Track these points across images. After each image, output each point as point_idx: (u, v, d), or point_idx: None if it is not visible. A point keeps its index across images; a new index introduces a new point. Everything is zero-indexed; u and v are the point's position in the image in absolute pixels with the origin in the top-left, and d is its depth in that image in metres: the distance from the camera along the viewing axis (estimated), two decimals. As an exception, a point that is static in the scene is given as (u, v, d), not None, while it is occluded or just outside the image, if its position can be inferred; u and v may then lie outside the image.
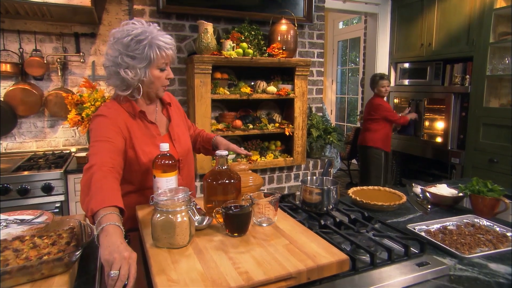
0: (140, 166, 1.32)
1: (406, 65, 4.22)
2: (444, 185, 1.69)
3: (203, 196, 1.21)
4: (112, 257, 0.81)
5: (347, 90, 6.32)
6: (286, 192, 3.30)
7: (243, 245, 0.98)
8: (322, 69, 3.62)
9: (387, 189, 1.74)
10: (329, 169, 3.50)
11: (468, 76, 3.46)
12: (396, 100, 4.37)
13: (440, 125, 3.78)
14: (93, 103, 2.53)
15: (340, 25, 6.24)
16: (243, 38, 2.95)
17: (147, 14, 2.81)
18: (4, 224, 1.18)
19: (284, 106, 3.35)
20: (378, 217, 1.37)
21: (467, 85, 3.46)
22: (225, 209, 1.04)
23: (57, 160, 2.50)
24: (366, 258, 1.04)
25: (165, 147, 1.20)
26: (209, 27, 2.70)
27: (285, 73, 3.21)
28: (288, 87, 3.08)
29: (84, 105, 2.54)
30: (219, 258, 0.90)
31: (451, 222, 1.37)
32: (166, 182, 1.20)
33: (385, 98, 3.80)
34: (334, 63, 6.43)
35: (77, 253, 0.94)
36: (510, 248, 1.14)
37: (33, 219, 1.28)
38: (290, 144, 3.21)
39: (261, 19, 3.14)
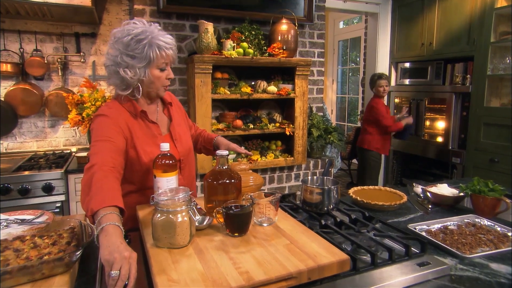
0: (141, 166, 1.32)
1: (407, 64, 4.21)
2: (445, 185, 1.69)
3: (204, 196, 1.21)
4: (113, 257, 0.81)
5: (348, 89, 6.32)
6: (286, 192, 3.30)
7: (243, 245, 0.98)
8: (323, 69, 3.62)
9: (387, 189, 1.74)
10: (330, 169, 3.50)
11: (469, 75, 3.46)
12: (396, 100, 4.36)
13: (441, 124, 3.77)
14: (93, 103, 2.53)
15: (341, 25, 6.24)
16: (243, 37, 2.94)
17: (148, 14, 2.81)
18: (5, 224, 1.18)
19: (285, 106, 3.35)
20: (379, 217, 1.37)
21: (468, 84, 3.46)
22: (225, 209, 1.04)
23: (58, 160, 2.50)
24: (367, 258, 1.04)
25: (165, 147, 1.20)
26: (210, 27, 2.69)
27: (286, 73, 3.21)
28: (288, 86, 3.07)
29: (85, 105, 2.54)
30: (219, 258, 0.90)
31: (452, 222, 1.37)
32: (166, 182, 1.20)
33: (385, 99, 3.74)
34: (335, 63, 6.43)
35: (78, 253, 0.93)
36: (511, 248, 1.14)
37: (33, 219, 1.28)
38: (291, 144, 3.21)
39: (261, 19, 3.14)
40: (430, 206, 1.59)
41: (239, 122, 2.97)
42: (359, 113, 5.52)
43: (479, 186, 1.48)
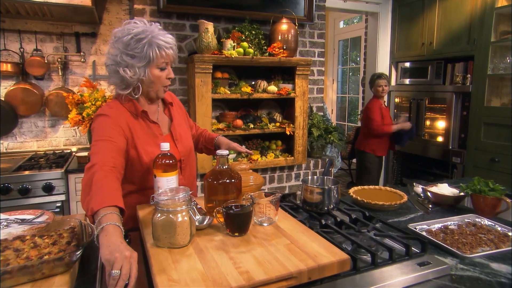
0: (142, 166, 1.32)
1: (407, 64, 4.21)
2: (445, 185, 1.69)
3: (204, 196, 1.21)
4: (113, 256, 0.80)
5: (348, 89, 6.31)
6: (286, 191, 3.29)
7: (243, 244, 0.98)
8: (323, 69, 3.62)
9: (388, 188, 1.74)
10: (330, 169, 3.50)
11: (469, 75, 3.46)
12: (397, 100, 4.36)
13: (441, 124, 3.77)
14: (93, 103, 2.53)
15: (341, 25, 6.24)
16: (243, 37, 2.94)
17: (148, 13, 2.81)
18: (5, 223, 1.18)
19: (285, 105, 3.34)
20: (379, 217, 1.37)
21: (468, 84, 3.45)
22: (225, 208, 1.04)
23: (58, 159, 2.50)
24: (367, 257, 1.04)
25: (165, 146, 1.20)
26: (210, 26, 2.69)
27: (286, 73, 3.21)
28: (288, 86, 3.07)
29: (85, 105, 2.54)
30: (219, 258, 0.90)
31: (452, 222, 1.37)
32: (166, 182, 1.20)
33: (385, 99, 3.68)
34: (335, 63, 6.42)
35: (78, 252, 0.93)
36: (511, 247, 1.14)
37: (33, 218, 1.28)
38: (291, 144, 3.21)
39: (261, 19, 3.14)
40: (430, 205, 1.59)
41: (239, 122, 2.97)
42: (359, 113, 5.52)
43: (480, 186, 1.48)
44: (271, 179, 3.25)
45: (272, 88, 3.00)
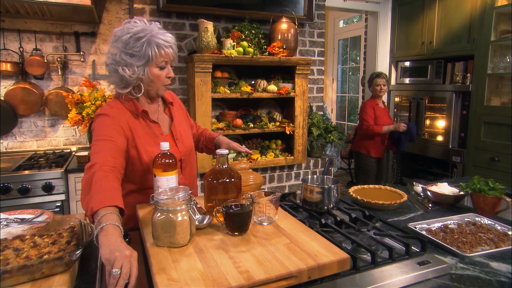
0: (142, 166, 1.32)
1: (407, 63, 4.21)
2: (445, 184, 1.69)
3: (204, 195, 1.21)
4: (114, 255, 0.81)
5: (348, 89, 6.31)
6: (286, 191, 3.29)
7: (243, 244, 0.98)
8: (323, 68, 3.61)
9: (388, 187, 1.74)
10: (330, 168, 3.49)
11: (469, 74, 3.46)
12: (397, 99, 4.36)
13: (441, 123, 3.77)
14: (93, 102, 2.53)
15: (341, 24, 6.23)
16: (243, 37, 2.94)
17: (147, 13, 2.81)
18: (5, 223, 1.18)
19: (285, 105, 3.34)
20: (379, 216, 1.37)
21: (468, 83, 3.45)
22: (225, 208, 1.04)
23: (58, 159, 2.50)
24: (367, 257, 1.04)
25: (165, 146, 1.20)
26: (210, 26, 2.69)
27: (286, 72, 3.21)
28: (288, 86, 3.07)
29: (85, 104, 2.54)
30: (219, 257, 0.90)
31: (452, 221, 1.37)
32: (166, 181, 1.20)
33: (385, 98, 3.63)
34: (335, 62, 6.42)
35: (78, 252, 0.93)
36: (511, 246, 1.14)
37: (33, 218, 1.28)
38: (291, 143, 3.21)
39: (261, 18, 3.13)
40: (430, 205, 1.59)
41: (239, 121, 2.97)
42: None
43: (480, 185, 1.48)
44: (271, 179, 3.25)
45: (272, 87, 3.00)
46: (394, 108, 4.38)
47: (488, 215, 1.42)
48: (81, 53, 2.85)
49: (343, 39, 6.22)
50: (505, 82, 3.21)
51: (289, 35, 3.01)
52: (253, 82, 3.10)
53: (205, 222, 1.10)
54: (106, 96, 2.63)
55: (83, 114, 2.50)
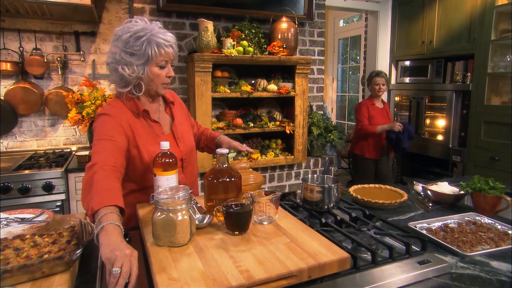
0: (143, 165, 1.32)
1: (407, 63, 4.21)
2: (446, 183, 1.69)
3: (204, 195, 1.21)
4: (114, 255, 0.81)
5: (348, 88, 6.31)
6: (286, 190, 3.30)
7: (244, 243, 0.98)
8: (323, 67, 3.61)
9: (388, 187, 1.74)
10: (330, 167, 3.49)
11: (469, 73, 3.45)
12: (397, 98, 4.36)
13: (441, 123, 3.77)
14: (93, 102, 2.53)
15: (341, 23, 6.23)
16: (243, 36, 2.94)
17: (147, 12, 2.81)
18: (5, 223, 1.18)
19: (285, 104, 3.34)
20: (379, 215, 1.37)
21: (468, 82, 3.45)
22: (225, 207, 1.04)
23: (58, 159, 2.50)
24: (367, 256, 1.04)
25: (165, 145, 1.20)
26: (210, 25, 2.69)
27: (286, 71, 3.21)
28: (288, 85, 3.07)
29: (85, 104, 2.54)
30: (220, 257, 0.90)
31: (452, 220, 1.37)
32: (166, 181, 1.20)
33: (384, 98, 3.53)
34: (335, 61, 6.42)
35: (78, 251, 0.94)
36: (511, 246, 1.14)
37: (33, 217, 1.28)
38: (291, 142, 3.21)
39: (261, 17, 3.13)
40: (430, 204, 1.59)
41: (239, 121, 2.96)
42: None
43: (480, 184, 1.48)
44: (271, 178, 3.25)
45: (272, 87, 3.00)
46: (394, 108, 4.38)
47: (489, 214, 1.42)
48: (81, 52, 2.85)
49: (343, 39, 6.21)
50: (505, 81, 3.20)
51: (289, 34, 3.01)
52: (253, 81, 3.10)
53: (205, 221, 1.10)
54: (106, 96, 2.63)
55: (83, 114, 2.50)
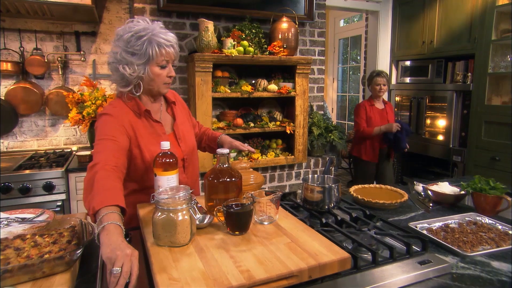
0: (145, 165, 1.33)
1: (408, 63, 4.21)
2: (446, 183, 1.69)
3: (204, 195, 1.21)
4: (115, 254, 0.81)
5: (348, 88, 6.31)
6: (287, 190, 3.29)
7: (244, 243, 0.98)
8: (323, 67, 3.61)
9: (388, 187, 1.74)
10: (331, 167, 3.48)
11: (469, 73, 3.45)
12: (397, 98, 4.36)
13: (441, 123, 3.77)
14: (93, 102, 2.54)
15: (341, 23, 6.23)
16: (244, 36, 2.94)
17: (148, 12, 2.80)
18: (5, 222, 1.18)
19: (285, 104, 3.34)
20: (380, 215, 1.37)
21: (468, 82, 3.45)
22: (226, 207, 1.03)
23: (58, 158, 2.50)
24: (368, 256, 1.04)
25: (165, 145, 1.20)
26: (210, 25, 2.69)
27: (286, 71, 3.21)
28: (289, 85, 3.07)
29: (85, 104, 2.54)
30: (220, 257, 0.90)
31: (453, 220, 1.36)
32: (167, 181, 1.20)
33: (384, 99, 3.39)
34: (335, 61, 6.42)
35: (78, 251, 0.93)
36: (512, 246, 1.14)
37: (34, 217, 1.28)
38: (291, 142, 3.21)
39: (262, 17, 3.13)
40: (431, 204, 1.59)
41: (239, 121, 2.96)
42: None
43: (480, 184, 1.47)
44: (271, 178, 3.25)
45: (273, 87, 3.00)
46: (395, 108, 4.37)
47: (489, 214, 1.41)
48: (82, 52, 2.85)
49: (343, 39, 6.21)
50: (506, 81, 3.20)
51: (290, 34, 3.01)
52: (253, 81, 3.10)
53: (205, 221, 1.10)
54: (107, 96, 2.63)
55: (83, 114, 2.50)
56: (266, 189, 1.19)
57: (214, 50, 2.75)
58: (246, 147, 1.55)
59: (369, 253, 1.03)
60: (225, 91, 2.84)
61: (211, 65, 2.72)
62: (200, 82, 2.72)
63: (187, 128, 1.52)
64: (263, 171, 3.17)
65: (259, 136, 3.25)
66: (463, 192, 1.56)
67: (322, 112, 3.64)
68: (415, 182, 1.85)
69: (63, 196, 2.29)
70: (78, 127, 2.92)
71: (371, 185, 1.76)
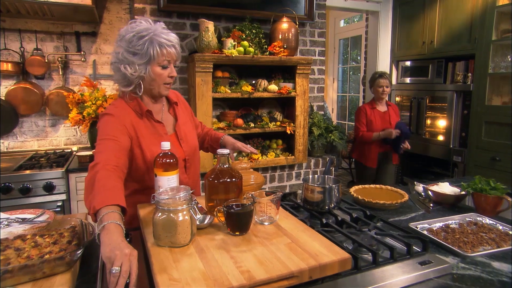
0: (146, 165, 1.33)
1: (408, 63, 4.20)
2: (446, 184, 1.69)
3: (205, 195, 1.21)
4: (114, 254, 0.81)
5: (348, 88, 6.31)
6: (287, 190, 3.29)
7: (244, 244, 0.98)
8: (323, 68, 3.61)
9: (388, 187, 1.74)
10: (331, 168, 3.49)
11: (470, 74, 3.45)
12: (397, 99, 4.36)
13: (442, 123, 3.76)
14: (94, 102, 2.54)
15: (341, 23, 6.23)
16: (244, 36, 2.94)
17: (148, 12, 2.81)
18: (6, 223, 1.18)
19: (286, 104, 3.34)
20: (380, 216, 1.36)
21: (469, 83, 3.45)
22: (226, 207, 1.03)
23: (59, 159, 2.50)
24: (368, 256, 1.04)
25: (166, 145, 1.20)
26: (210, 25, 2.69)
27: (286, 72, 3.21)
28: (289, 85, 3.07)
29: (85, 104, 2.54)
30: (220, 257, 0.90)
31: (453, 221, 1.36)
32: (167, 181, 1.20)
33: (386, 100, 3.28)
34: (335, 62, 6.42)
35: (79, 252, 0.93)
36: (513, 246, 1.14)
37: (34, 218, 1.28)
38: (292, 143, 3.21)
39: (262, 18, 3.13)
40: (431, 204, 1.59)
41: (239, 121, 2.96)
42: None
43: (481, 185, 1.47)
44: (271, 178, 3.25)
45: (273, 87, 3.00)
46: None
47: (490, 214, 1.41)
48: (82, 53, 2.85)
49: (343, 39, 6.21)
50: (506, 81, 3.20)
51: (290, 34, 3.01)
52: (253, 81, 3.10)
53: (206, 222, 1.10)
54: (107, 96, 2.63)
55: (83, 114, 2.50)
56: (267, 190, 1.19)
57: (215, 51, 2.75)
58: (249, 148, 1.55)
59: (370, 254, 1.03)
60: (225, 91, 2.84)
61: (212, 66, 2.72)
62: (201, 82, 2.72)
63: (189, 128, 1.52)
64: (263, 172, 3.17)
65: (259, 137, 3.25)
66: (463, 192, 1.56)
67: (322, 113, 3.64)
68: (415, 183, 1.85)
69: (63, 197, 2.29)
70: (78, 128, 2.92)
71: (372, 186, 1.76)
